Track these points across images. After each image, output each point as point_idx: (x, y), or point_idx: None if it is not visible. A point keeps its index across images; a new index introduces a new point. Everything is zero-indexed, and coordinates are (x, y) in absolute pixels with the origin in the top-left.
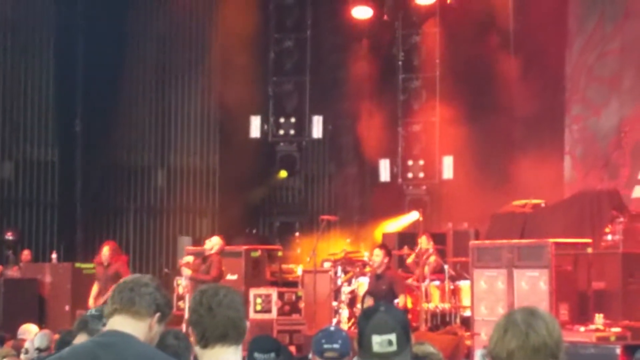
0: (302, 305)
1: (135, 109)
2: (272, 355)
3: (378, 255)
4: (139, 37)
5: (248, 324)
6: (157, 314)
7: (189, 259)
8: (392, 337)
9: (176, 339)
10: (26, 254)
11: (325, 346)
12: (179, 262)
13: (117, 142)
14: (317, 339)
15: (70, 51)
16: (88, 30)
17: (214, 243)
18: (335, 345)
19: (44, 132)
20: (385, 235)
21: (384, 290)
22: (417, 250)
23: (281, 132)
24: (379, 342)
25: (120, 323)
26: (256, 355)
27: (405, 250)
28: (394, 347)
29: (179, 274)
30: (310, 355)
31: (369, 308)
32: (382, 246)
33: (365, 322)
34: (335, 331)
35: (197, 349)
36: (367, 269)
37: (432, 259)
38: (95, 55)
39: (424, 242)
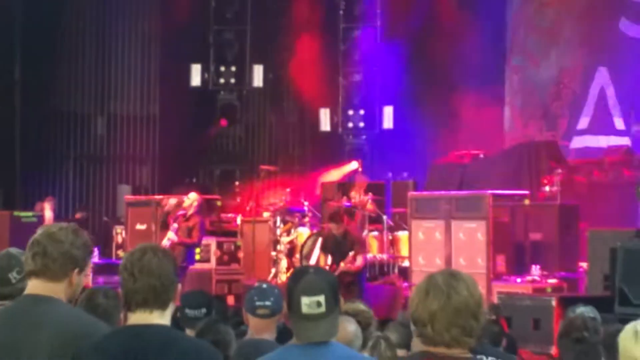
0: (241, 255)
1: (75, 56)
2: (203, 310)
3: (338, 228)
4: None
5: (179, 286)
6: (76, 270)
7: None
8: (321, 298)
9: (105, 298)
10: None
11: (257, 303)
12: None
13: (57, 89)
14: (250, 296)
15: None
16: None
17: (192, 200)
18: (267, 303)
19: None
20: (324, 185)
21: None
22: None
23: (222, 80)
24: (308, 303)
25: (38, 286)
26: (187, 311)
27: (344, 200)
28: (322, 309)
29: (117, 222)
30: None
31: (298, 269)
32: (334, 217)
33: (294, 283)
34: (267, 288)
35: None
36: (306, 219)
37: (369, 205)
38: (35, 2)
39: (355, 194)
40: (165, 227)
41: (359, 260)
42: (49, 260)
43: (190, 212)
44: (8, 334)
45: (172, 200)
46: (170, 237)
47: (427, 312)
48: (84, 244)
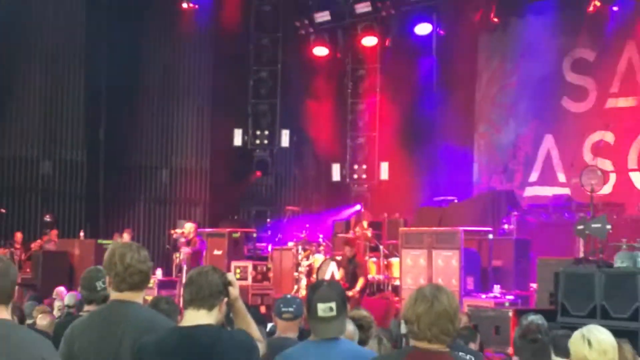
0: (271, 275)
1: (147, 122)
2: None
3: (350, 251)
4: (150, 65)
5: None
6: (149, 278)
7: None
8: (333, 305)
9: (167, 304)
10: (54, 233)
11: (283, 309)
12: (174, 235)
13: (132, 147)
14: (277, 303)
15: (95, 76)
16: (110, 58)
17: (189, 228)
18: (291, 309)
19: (75, 138)
20: (335, 222)
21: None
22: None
23: (257, 141)
24: (323, 308)
25: (120, 296)
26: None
27: (349, 234)
28: (334, 313)
29: (176, 250)
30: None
31: (315, 283)
32: (348, 242)
33: (312, 293)
34: (291, 298)
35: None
36: (321, 248)
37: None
38: (115, 77)
39: (365, 224)
40: (175, 249)
41: (360, 282)
42: (133, 274)
43: (191, 237)
44: (104, 330)
45: (179, 231)
46: (184, 251)
47: (414, 314)
48: (146, 259)
